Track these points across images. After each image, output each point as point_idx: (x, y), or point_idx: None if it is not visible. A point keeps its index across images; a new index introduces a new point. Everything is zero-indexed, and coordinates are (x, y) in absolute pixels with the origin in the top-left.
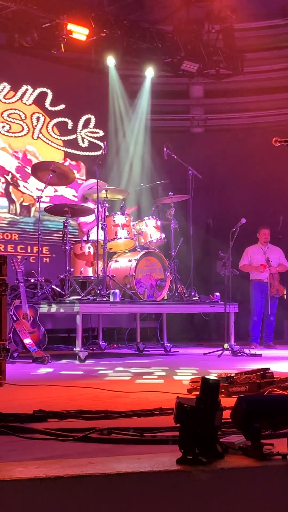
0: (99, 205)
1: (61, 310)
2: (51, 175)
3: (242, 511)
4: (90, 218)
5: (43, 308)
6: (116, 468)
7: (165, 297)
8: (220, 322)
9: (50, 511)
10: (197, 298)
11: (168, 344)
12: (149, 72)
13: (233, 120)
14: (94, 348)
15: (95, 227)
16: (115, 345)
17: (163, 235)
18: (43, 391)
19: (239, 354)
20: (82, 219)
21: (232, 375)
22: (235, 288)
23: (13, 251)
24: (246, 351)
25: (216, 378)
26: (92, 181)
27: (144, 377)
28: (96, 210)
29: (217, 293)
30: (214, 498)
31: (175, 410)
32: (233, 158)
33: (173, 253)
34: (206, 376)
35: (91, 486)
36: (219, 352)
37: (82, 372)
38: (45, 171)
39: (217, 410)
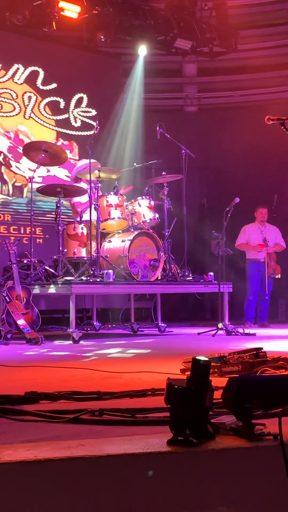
0: (92, 185)
1: (54, 291)
2: (43, 155)
3: (233, 491)
4: (85, 198)
5: (36, 289)
6: (106, 450)
7: (159, 277)
8: (214, 301)
9: (40, 494)
10: (191, 278)
11: (162, 324)
12: (142, 50)
13: (227, 98)
14: (88, 329)
15: (89, 207)
16: (109, 326)
17: (157, 215)
18: (36, 372)
19: (233, 333)
20: (76, 199)
21: (225, 355)
22: (230, 267)
23: (6, 232)
24: (240, 330)
25: (207, 359)
26: (85, 161)
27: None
28: (88, 191)
29: (211, 273)
30: (205, 479)
31: (166, 391)
32: (227, 137)
33: (166, 233)
34: (197, 357)
35: (82, 468)
36: (213, 332)
37: (75, 353)
38: (37, 151)
39: (208, 391)
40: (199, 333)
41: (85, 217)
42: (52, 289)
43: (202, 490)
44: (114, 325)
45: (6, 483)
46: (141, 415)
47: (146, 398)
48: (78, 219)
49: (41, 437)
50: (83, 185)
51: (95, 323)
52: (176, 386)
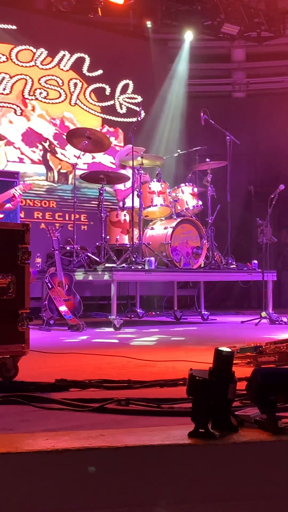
0: (135, 172)
1: (96, 278)
2: (86, 141)
3: (255, 485)
4: (126, 185)
5: (79, 276)
6: (126, 441)
7: (202, 265)
8: (261, 290)
9: (56, 485)
10: (234, 266)
11: (206, 312)
12: (188, 36)
13: (276, 84)
14: (132, 316)
15: (131, 194)
16: (153, 313)
17: (200, 202)
18: (71, 359)
19: (277, 322)
20: (118, 186)
21: (262, 344)
22: (278, 255)
23: (51, 218)
24: (284, 319)
25: (229, 350)
26: (128, 147)
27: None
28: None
29: (255, 261)
30: (226, 472)
31: (188, 382)
32: (276, 123)
33: (210, 221)
34: (219, 348)
35: (99, 459)
36: (257, 321)
37: (114, 340)
38: (80, 138)
39: (231, 383)
40: (242, 322)
41: (128, 204)
42: (93, 276)
43: (222, 483)
44: (158, 313)
45: (23, 473)
46: (167, 405)
47: (176, 388)
48: (121, 205)
49: (64, 426)
50: (129, 172)
51: (138, 310)
52: (197, 377)
